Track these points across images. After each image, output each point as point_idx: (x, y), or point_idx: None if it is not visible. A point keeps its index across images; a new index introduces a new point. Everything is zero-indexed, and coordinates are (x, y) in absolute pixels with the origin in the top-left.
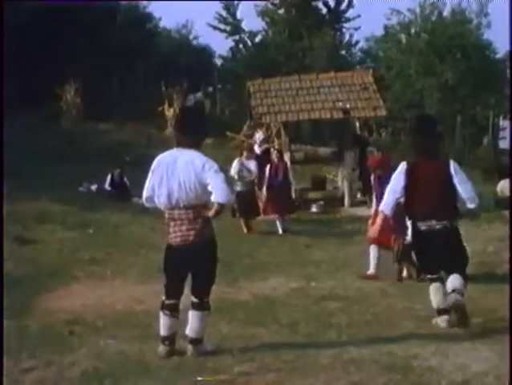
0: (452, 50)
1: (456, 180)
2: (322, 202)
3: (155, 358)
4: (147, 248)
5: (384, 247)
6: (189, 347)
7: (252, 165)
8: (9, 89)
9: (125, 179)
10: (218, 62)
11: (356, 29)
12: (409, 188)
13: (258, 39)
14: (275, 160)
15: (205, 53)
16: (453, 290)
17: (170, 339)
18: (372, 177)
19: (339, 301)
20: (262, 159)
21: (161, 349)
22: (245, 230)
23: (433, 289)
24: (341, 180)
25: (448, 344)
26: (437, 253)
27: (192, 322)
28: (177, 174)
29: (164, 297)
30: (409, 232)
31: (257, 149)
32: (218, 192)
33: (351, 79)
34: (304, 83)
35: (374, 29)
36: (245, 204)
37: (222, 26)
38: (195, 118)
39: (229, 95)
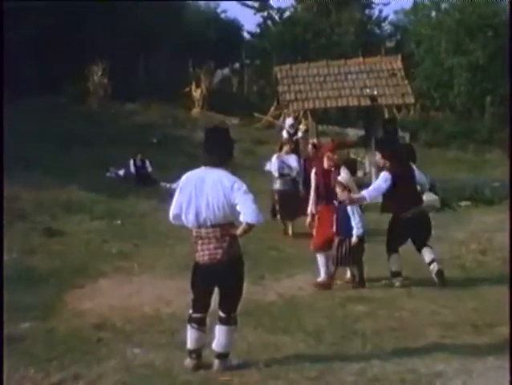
0: (483, 29)
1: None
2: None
3: (182, 372)
4: (174, 238)
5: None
6: (215, 362)
7: (293, 161)
8: (34, 70)
9: (147, 163)
10: (246, 37)
11: (386, 4)
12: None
13: (286, 15)
14: (310, 152)
15: (232, 27)
16: (433, 260)
17: (197, 353)
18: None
19: (364, 304)
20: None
21: (188, 362)
22: (285, 233)
23: (394, 258)
24: (369, 165)
25: (472, 359)
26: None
27: (219, 336)
28: (205, 193)
29: (191, 311)
30: (354, 232)
31: (285, 136)
32: (248, 213)
33: (380, 64)
34: (332, 69)
35: (403, 2)
36: (286, 204)
37: (250, 3)
38: (220, 138)
39: (256, 71)
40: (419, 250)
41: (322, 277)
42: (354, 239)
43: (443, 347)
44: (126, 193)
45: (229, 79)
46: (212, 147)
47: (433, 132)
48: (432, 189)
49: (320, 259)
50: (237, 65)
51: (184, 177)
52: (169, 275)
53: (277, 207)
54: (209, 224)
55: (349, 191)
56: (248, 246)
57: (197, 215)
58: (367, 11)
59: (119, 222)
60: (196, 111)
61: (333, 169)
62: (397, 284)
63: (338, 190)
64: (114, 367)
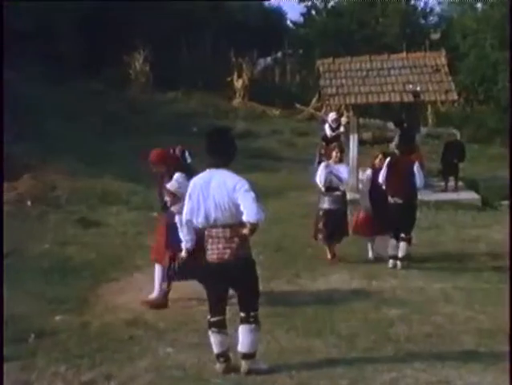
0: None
1: None
2: None
3: (213, 375)
4: None
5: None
6: (243, 363)
7: (343, 171)
8: (75, 54)
9: (187, 154)
10: (290, 27)
11: None
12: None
13: (330, 5)
14: (377, 163)
15: (276, 15)
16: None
17: (225, 356)
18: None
19: (399, 308)
20: (332, 142)
21: (218, 366)
22: (328, 256)
23: (392, 243)
24: None
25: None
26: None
27: (241, 336)
28: (212, 195)
29: (209, 316)
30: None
31: (327, 131)
32: (248, 212)
33: (423, 60)
34: (375, 63)
35: None
36: (332, 226)
37: None
38: (221, 140)
39: (299, 61)
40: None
41: (156, 293)
42: (182, 253)
43: (479, 357)
44: None
45: (272, 69)
46: (214, 150)
47: (476, 128)
48: (473, 188)
49: (157, 273)
50: (279, 54)
51: (191, 183)
52: None
53: (320, 226)
54: (219, 224)
55: (179, 199)
56: (284, 243)
57: (207, 216)
58: (412, 2)
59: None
60: (237, 101)
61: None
62: (390, 265)
63: (167, 199)
64: (145, 368)
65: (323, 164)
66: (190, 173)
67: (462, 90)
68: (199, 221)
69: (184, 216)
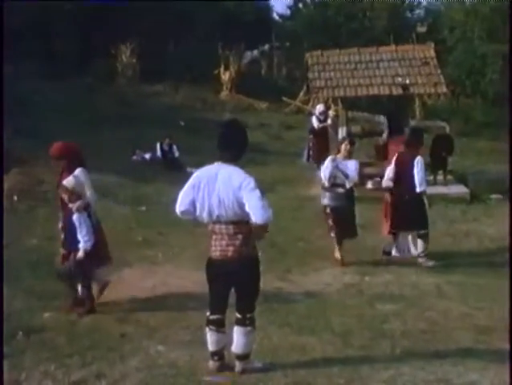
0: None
1: None
2: (378, 178)
3: (206, 373)
4: (199, 227)
5: None
6: (237, 363)
7: (351, 168)
8: (65, 48)
9: (174, 148)
10: (276, 19)
11: None
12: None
13: None
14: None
15: (263, 8)
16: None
17: (219, 354)
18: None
19: (393, 303)
20: (319, 134)
21: (211, 364)
22: (337, 255)
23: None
24: None
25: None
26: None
27: (236, 338)
28: (217, 190)
29: (208, 313)
30: (81, 245)
31: (315, 123)
32: (254, 212)
33: (412, 52)
34: (363, 56)
35: None
36: (341, 224)
37: None
38: (235, 133)
39: (286, 54)
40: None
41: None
42: (80, 253)
43: (476, 354)
44: (152, 178)
45: (258, 62)
46: (224, 143)
47: (464, 121)
48: (462, 181)
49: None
50: (266, 47)
51: (196, 174)
52: (195, 266)
53: (330, 222)
54: (222, 220)
55: (78, 197)
56: (275, 237)
57: (210, 212)
58: None
59: (143, 208)
60: (224, 93)
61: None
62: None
63: (64, 196)
64: (137, 366)
65: (329, 158)
66: (177, 166)
67: (450, 83)
68: (203, 216)
69: (180, 205)
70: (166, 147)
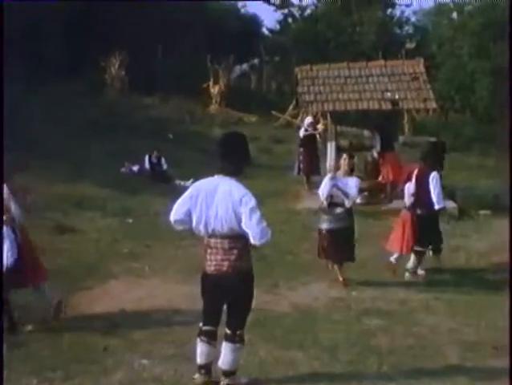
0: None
1: None
2: (366, 193)
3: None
4: (188, 239)
5: None
6: (222, 378)
7: (351, 185)
8: (55, 55)
9: (163, 161)
10: (266, 34)
11: (408, 5)
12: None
13: (307, 13)
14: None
15: (252, 23)
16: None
17: (206, 368)
18: None
19: (380, 318)
20: (308, 144)
21: (197, 377)
22: (340, 278)
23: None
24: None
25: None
26: None
27: (224, 353)
28: (215, 203)
29: (201, 324)
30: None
31: (301, 133)
32: (253, 234)
33: (402, 68)
34: (353, 71)
35: (424, 3)
36: (336, 247)
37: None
38: (237, 145)
39: (275, 68)
40: None
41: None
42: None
43: (464, 370)
44: (140, 190)
45: (248, 76)
46: (227, 155)
47: (453, 136)
48: (451, 196)
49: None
50: (255, 61)
51: (194, 185)
52: (182, 279)
53: (324, 244)
54: (217, 234)
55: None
56: (263, 250)
57: (207, 225)
58: (388, 11)
59: (130, 221)
60: (213, 107)
61: None
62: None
63: None
64: (120, 380)
65: (328, 176)
66: (165, 179)
67: (439, 98)
68: (199, 228)
69: (174, 214)
70: (154, 160)
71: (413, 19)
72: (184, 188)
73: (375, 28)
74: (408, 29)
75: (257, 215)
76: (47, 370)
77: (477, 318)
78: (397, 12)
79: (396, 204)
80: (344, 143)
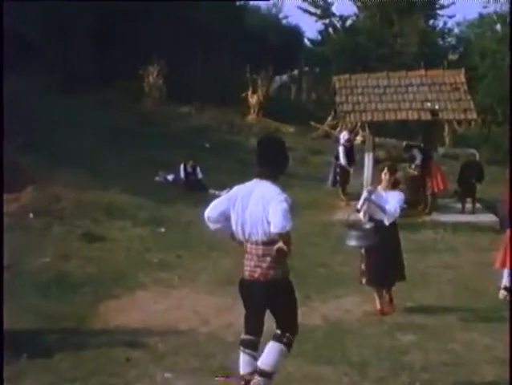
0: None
1: None
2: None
3: None
4: (218, 251)
5: None
6: (256, 377)
7: (392, 201)
8: (89, 66)
9: (198, 170)
10: (307, 44)
11: (450, 17)
12: None
13: (348, 24)
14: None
15: (293, 33)
16: None
17: (246, 381)
18: None
19: (414, 334)
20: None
21: None
22: (378, 306)
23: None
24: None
25: None
26: None
27: (267, 352)
28: (250, 207)
29: (242, 334)
30: None
31: (341, 151)
32: (273, 220)
33: (442, 78)
34: (392, 80)
35: (467, 14)
36: (376, 266)
37: (313, 9)
38: (274, 149)
39: (315, 79)
40: None
41: None
42: None
43: None
44: (173, 199)
45: (288, 86)
46: (264, 159)
47: (495, 149)
48: (492, 210)
49: None
50: (296, 72)
51: (234, 188)
52: (210, 291)
53: (362, 266)
54: (253, 239)
55: None
56: (295, 262)
57: (243, 229)
58: (430, 22)
59: (163, 230)
60: (251, 117)
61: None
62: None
63: None
64: None
65: (365, 190)
66: (200, 188)
67: (480, 111)
68: (238, 233)
69: (210, 211)
70: (190, 169)
71: (456, 30)
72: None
73: (417, 39)
74: (451, 40)
75: (282, 206)
76: (67, 382)
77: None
78: (440, 23)
79: (434, 216)
80: (382, 154)
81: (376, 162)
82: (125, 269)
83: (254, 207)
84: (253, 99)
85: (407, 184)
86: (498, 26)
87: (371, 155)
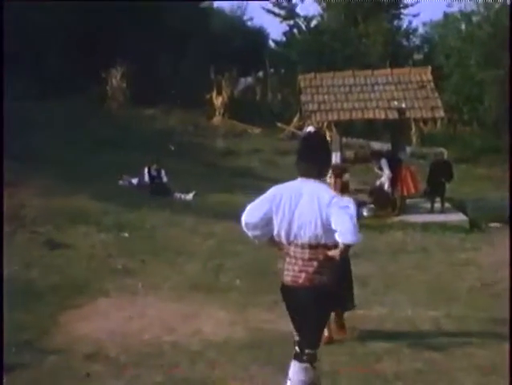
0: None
1: None
2: (372, 205)
3: None
4: (184, 256)
5: None
6: None
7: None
8: (53, 71)
9: (163, 173)
10: (272, 46)
11: (415, 15)
12: None
13: (313, 24)
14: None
15: (258, 35)
16: None
17: None
18: None
19: (387, 341)
20: None
21: None
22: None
23: None
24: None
25: None
26: None
27: (291, 372)
28: (300, 208)
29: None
30: None
31: None
32: (344, 231)
33: (409, 76)
34: (358, 79)
35: (432, 14)
36: None
37: (277, 10)
38: (320, 145)
39: (280, 81)
40: None
41: None
42: None
43: None
44: (138, 204)
45: (253, 88)
46: (310, 156)
47: (462, 148)
48: (461, 209)
49: None
50: (260, 73)
51: (276, 188)
52: (176, 297)
53: None
54: (299, 243)
55: None
56: (265, 267)
57: (288, 231)
58: (395, 22)
59: (126, 235)
60: (217, 119)
61: None
62: None
63: None
64: None
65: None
66: (165, 192)
67: (447, 110)
68: (281, 235)
69: (250, 216)
70: (154, 172)
71: (421, 31)
72: (184, 202)
73: (382, 39)
74: (416, 40)
75: (348, 214)
76: None
77: (491, 338)
78: (405, 23)
79: (403, 216)
80: (349, 154)
81: (343, 162)
82: (88, 276)
83: (306, 208)
84: (218, 101)
85: (374, 197)
86: (463, 26)
87: (338, 154)
